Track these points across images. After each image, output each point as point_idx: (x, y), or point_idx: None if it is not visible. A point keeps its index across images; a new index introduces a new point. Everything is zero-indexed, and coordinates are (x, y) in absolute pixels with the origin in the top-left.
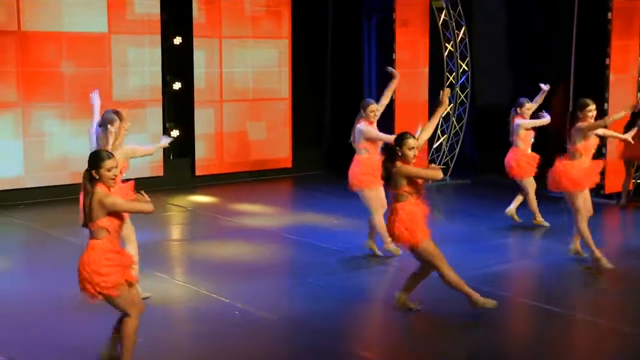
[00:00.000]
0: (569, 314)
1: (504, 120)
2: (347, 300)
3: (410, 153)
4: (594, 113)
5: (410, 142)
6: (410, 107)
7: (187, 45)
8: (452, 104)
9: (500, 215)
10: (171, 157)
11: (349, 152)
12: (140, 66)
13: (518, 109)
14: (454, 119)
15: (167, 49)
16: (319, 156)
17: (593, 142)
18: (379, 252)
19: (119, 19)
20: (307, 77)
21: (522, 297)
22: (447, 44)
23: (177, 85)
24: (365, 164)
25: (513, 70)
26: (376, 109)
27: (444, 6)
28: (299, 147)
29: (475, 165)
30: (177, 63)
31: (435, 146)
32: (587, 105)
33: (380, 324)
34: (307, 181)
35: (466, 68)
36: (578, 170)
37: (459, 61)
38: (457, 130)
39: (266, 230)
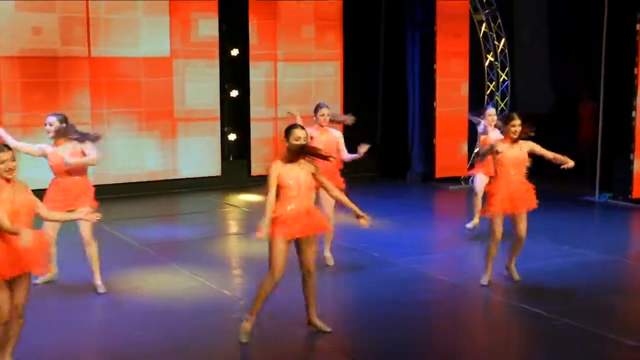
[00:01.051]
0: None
1: (545, 127)
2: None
3: (297, 143)
4: (517, 129)
5: (297, 132)
6: (449, 116)
7: (244, 57)
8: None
9: None
10: (230, 158)
11: (401, 158)
12: (200, 76)
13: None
14: None
15: (226, 60)
16: (368, 161)
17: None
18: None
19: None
20: (359, 86)
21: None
22: (487, 55)
23: (234, 93)
24: None
25: (553, 80)
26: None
27: (484, 19)
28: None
29: None
30: (234, 73)
31: (476, 151)
32: (512, 119)
33: (369, 323)
34: (356, 184)
35: (505, 78)
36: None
37: (499, 71)
38: None
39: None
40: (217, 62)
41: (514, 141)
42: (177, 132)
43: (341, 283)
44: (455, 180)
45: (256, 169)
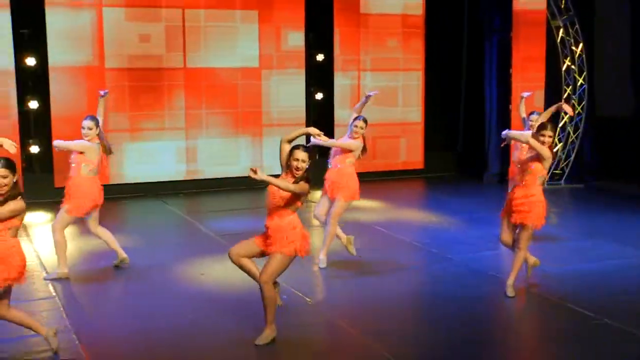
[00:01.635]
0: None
1: (625, 131)
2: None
3: (294, 164)
4: (548, 140)
5: (297, 153)
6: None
7: (329, 63)
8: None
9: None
10: (317, 157)
11: (478, 159)
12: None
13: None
14: (570, 128)
15: (312, 65)
16: (449, 162)
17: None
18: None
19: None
20: (440, 91)
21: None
22: (564, 60)
23: (319, 96)
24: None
25: (634, 83)
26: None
27: (562, 25)
28: (432, 151)
29: (590, 171)
30: (319, 76)
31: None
32: (544, 128)
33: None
34: (435, 183)
35: (583, 82)
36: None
37: (576, 75)
38: (573, 139)
39: (361, 223)
40: (303, 68)
41: None
42: (265, 132)
43: (392, 277)
44: None
45: None
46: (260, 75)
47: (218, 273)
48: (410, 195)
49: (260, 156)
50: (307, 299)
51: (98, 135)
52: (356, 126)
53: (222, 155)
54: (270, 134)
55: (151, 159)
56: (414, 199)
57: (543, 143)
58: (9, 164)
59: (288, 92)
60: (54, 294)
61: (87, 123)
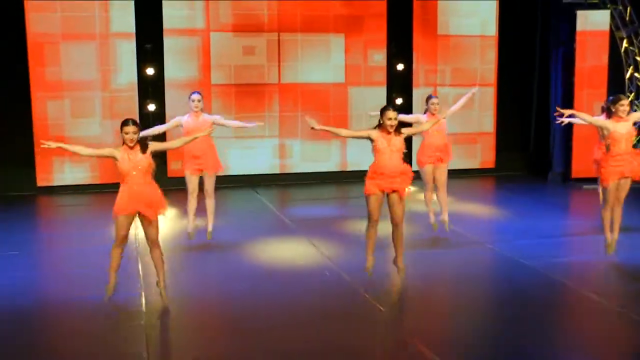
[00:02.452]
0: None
1: None
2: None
3: (388, 122)
4: (626, 108)
5: (389, 113)
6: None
7: (409, 71)
8: None
9: None
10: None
11: (545, 159)
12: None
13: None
14: None
15: (393, 74)
16: (518, 161)
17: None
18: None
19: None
20: (513, 95)
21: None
22: (628, 68)
23: (399, 101)
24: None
25: None
26: None
27: (625, 36)
28: (504, 151)
29: None
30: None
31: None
32: (620, 99)
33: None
34: (505, 181)
35: None
36: None
37: (639, 83)
38: None
39: (420, 214)
40: (384, 75)
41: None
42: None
43: (418, 257)
44: (592, 180)
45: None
46: (346, 87)
47: (277, 252)
48: (481, 191)
49: (345, 155)
50: (347, 277)
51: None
52: (432, 103)
53: (312, 153)
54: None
55: (249, 154)
56: (484, 195)
57: (623, 112)
58: (135, 122)
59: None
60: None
61: (197, 96)
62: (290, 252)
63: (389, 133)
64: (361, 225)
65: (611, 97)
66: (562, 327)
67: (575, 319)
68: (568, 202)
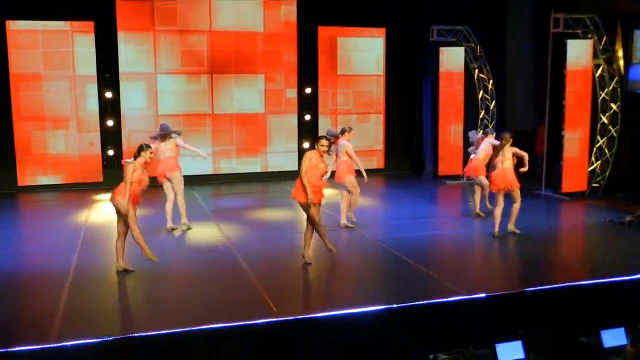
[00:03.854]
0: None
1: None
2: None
3: (322, 148)
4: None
5: (323, 142)
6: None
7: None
8: None
9: None
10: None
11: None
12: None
13: None
14: None
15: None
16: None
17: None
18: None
19: None
20: (399, 112)
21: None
22: (480, 92)
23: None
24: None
25: (536, 104)
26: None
27: (477, 67)
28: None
29: None
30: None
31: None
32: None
33: None
34: (391, 178)
35: (494, 107)
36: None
37: (488, 103)
38: None
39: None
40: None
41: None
42: None
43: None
44: (454, 177)
45: None
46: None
47: (192, 233)
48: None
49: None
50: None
51: None
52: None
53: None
54: None
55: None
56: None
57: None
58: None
59: None
60: None
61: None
62: (200, 233)
63: (322, 155)
64: (262, 214)
65: (500, 136)
66: (358, 272)
67: (375, 267)
68: (435, 194)
